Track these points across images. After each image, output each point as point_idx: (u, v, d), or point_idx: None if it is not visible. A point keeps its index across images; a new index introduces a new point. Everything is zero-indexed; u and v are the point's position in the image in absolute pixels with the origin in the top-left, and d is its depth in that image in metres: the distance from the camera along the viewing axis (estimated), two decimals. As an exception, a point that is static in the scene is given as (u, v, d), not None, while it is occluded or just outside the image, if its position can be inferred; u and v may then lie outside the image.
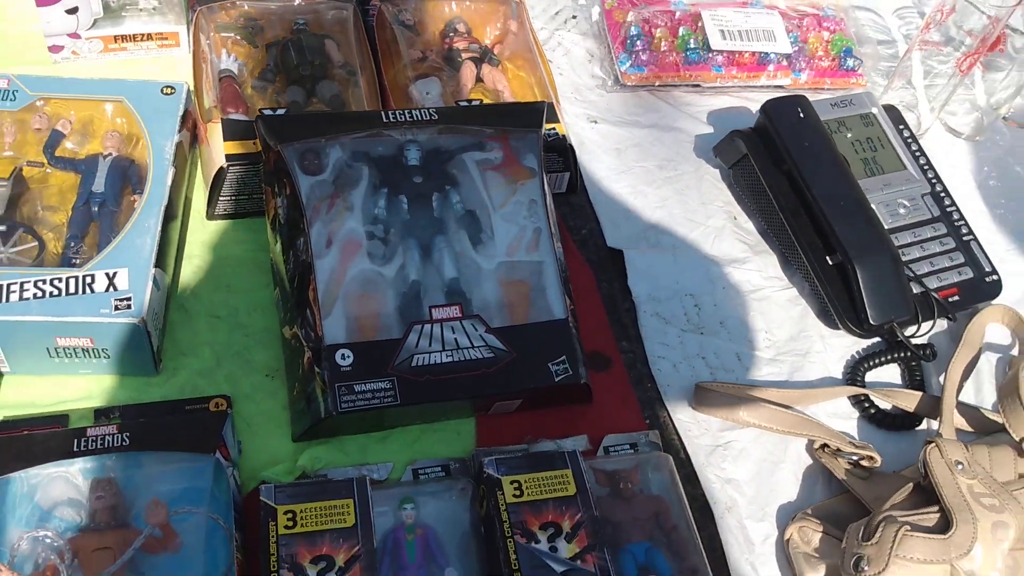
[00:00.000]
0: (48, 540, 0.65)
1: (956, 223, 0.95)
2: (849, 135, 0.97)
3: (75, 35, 0.97)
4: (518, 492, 0.72)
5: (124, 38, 0.99)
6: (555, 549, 0.70)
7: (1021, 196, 1.07)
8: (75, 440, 0.69)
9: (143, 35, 1.00)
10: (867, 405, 0.85)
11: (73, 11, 0.95)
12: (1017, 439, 0.75)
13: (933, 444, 0.72)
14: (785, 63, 1.07)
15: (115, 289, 0.74)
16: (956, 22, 0.97)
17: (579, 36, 1.13)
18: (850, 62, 1.09)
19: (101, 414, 0.75)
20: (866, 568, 0.66)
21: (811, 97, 0.97)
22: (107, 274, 0.75)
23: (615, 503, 0.75)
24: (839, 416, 0.85)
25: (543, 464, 0.74)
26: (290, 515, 0.68)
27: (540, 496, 0.72)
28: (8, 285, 0.73)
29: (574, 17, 1.15)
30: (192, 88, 0.90)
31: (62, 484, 0.69)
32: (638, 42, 1.07)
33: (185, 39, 1.00)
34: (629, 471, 0.77)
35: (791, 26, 1.09)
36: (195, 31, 0.96)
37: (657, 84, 1.08)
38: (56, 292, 0.73)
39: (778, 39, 1.07)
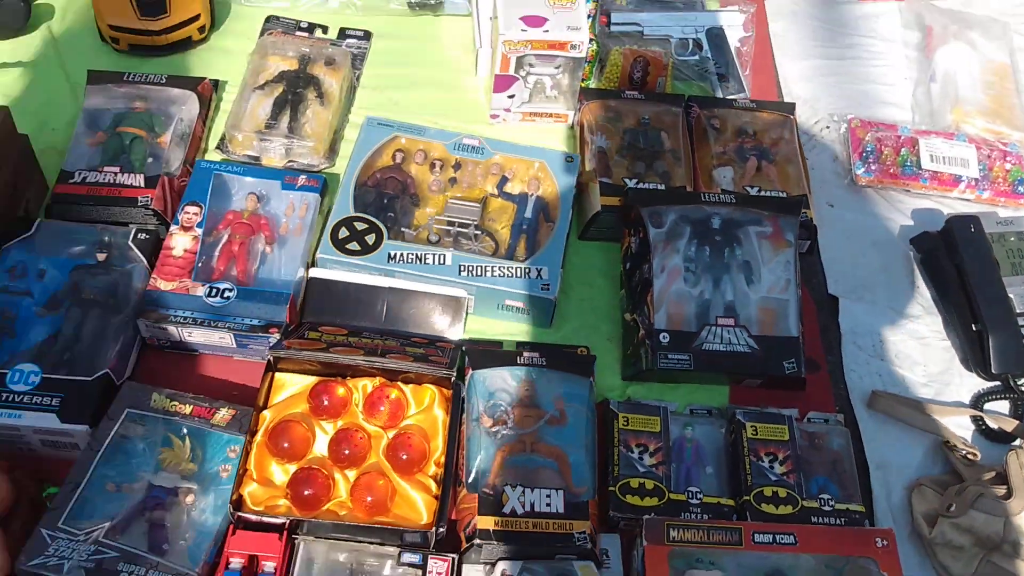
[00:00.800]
0: (501, 407, 1.18)
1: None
2: (1005, 244, 1.38)
3: (507, 109, 1.51)
4: (754, 432, 1.20)
5: (534, 114, 1.52)
6: (772, 468, 1.17)
7: None
8: (516, 356, 1.22)
9: (546, 113, 1.52)
10: (981, 423, 1.28)
11: (511, 96, 1.49)
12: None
13: (1014, 451, 1.16)
14: (973, 183, 1.48)
15: (540, 278, 1.27)
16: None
17: (828, 142, 1.57)
18: (1021, 188, 1.49)
19: (521, 345, 1.28)
20: (952, 510, 1.11)
21: (987, 211, 1.38)
22: (537, 269, 1.28)
23: (810, 451, 1.22)
24: (961, 427, 1.28)
25: (771, 419, 1.21)
26: (625, 419, 1.19)
27: (767, 437, 1.19)
28: (482, 266, 1.27)
29: (827, 127, 1.59)
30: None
31: (500, 379, 1.22)
32: (871, 155, 1.51)
33: (571, 119, 1.52)
34: (821, 434, 1.23)
35: (982, 156, 1.50)
36: (581, 116, 1.48)
37: (879, 186, 1.51)
38: (509, 274, 1.27)
39: (970, 166, 1.48)
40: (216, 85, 1.48)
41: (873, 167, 1.49)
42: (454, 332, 1.26)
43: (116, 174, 1.30)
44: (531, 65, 1.44)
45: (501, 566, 1.05)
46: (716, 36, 1.55)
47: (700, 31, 1.56)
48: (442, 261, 1.26)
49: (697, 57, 1.56)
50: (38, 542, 0.99)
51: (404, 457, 1.06)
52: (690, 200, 1.32)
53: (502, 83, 1.44)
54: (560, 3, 1.41)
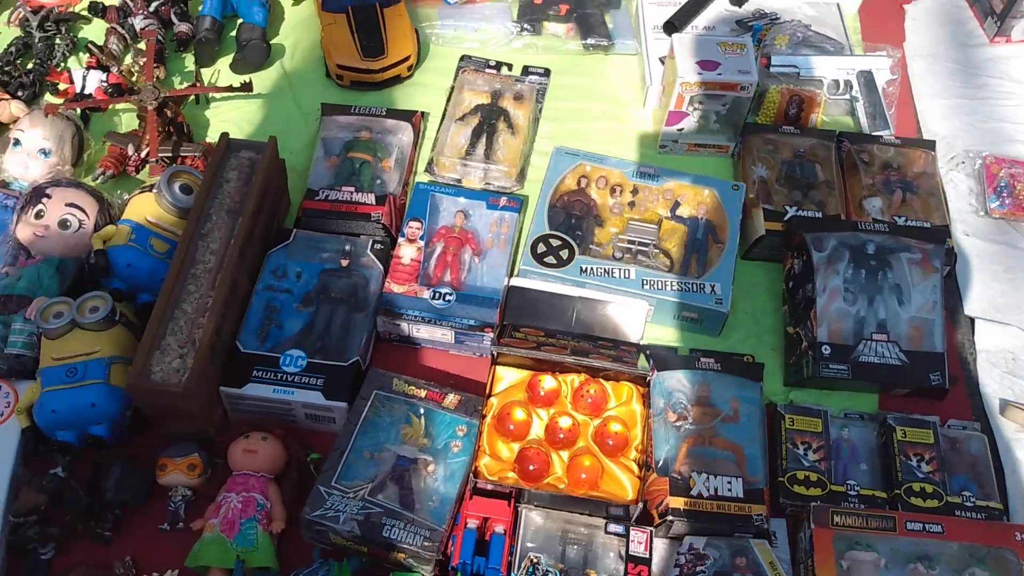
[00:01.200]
0: (682, 404, 1.35)
1: None
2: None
3: (675, 141, 1.68)
4: (903, 435, 1.34)
5: (699, 145, 1.68)
6: (919, 467, 1.32)
7: None
8: (695, 361, 1.39)
9: (709, 145, 1.68)
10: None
11: (681, 129, 1.65)
12: None
13: None
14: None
15: (714, 293, 1.43)
16: None
17: (964, 176, 1.70)
18: None
19: (694, 351, 1.44)
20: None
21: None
22: (711, 285, 1.44)
23: (952, 453, 1.35)
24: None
25: (917, 424, 1.35)
26: (791, 420, 1.35)
27: (915, 440, 1.33)
28: (663, 280, 1.44)
29: (963, 163, 1.71)
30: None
31: (676, 380, 1.37)
32: (1004, 189, 1.63)
33: (732, 150, 1.68)
34: (960, 439, 1.37)
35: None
36: (744, 148, 1.63)
37: (1012, 218, 1.63)
38: (686, 289, 1.43)
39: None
40: (423, 116, 1.67)
41: (1007, 200, 1.61)
42: (634, 338, 1.43)
43: (352, 193, 1.51)
44: (700, 102, 1.60)
45: (688, 540, 1.22)
46: (866, 78, 1.69)
47: (851, 73, 1.70)
48: (627, 275, 1.43)
49: (847, 96, 1.70)
50: (317, 497, 1.19)
51: (611, 443, 1.23)
52: (847, 228, 1.46)
53: (674, 118, 1.61)
54: (731, 49, 1.57)
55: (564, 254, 1.45)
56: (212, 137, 1.65)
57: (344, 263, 1.43)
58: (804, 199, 1.57)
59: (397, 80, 1.73)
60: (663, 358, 1.39)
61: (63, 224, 1.38)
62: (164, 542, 1.23)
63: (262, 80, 1.69)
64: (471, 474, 1.20)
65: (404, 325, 1.38)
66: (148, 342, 1.22)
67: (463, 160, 1.61)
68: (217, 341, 1.26)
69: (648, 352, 1.39)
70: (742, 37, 1.61)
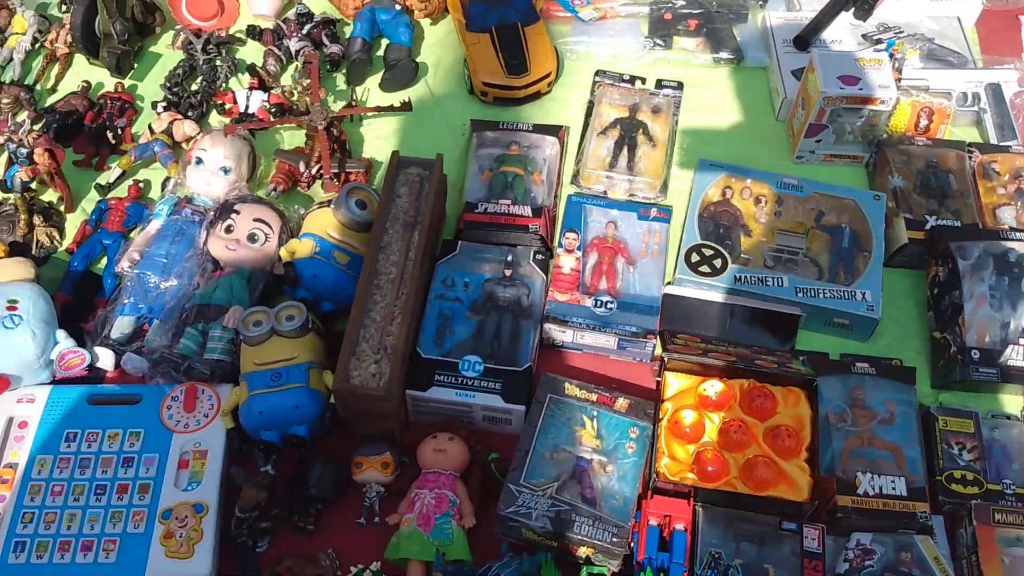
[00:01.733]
0: (841, 406, 1.39)
1: None
2: None
3: (812, 152, 1.71)
4: None
5: (834, 156, 1.72)
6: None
7: None
8: (850, 366, 1.42)
9: (844, 155, 1.71)
10: None
11: (819, 141, 1.69)
12: None
13: None
14: None
15: (865, 300, 1.47)
16: None
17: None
18: None
19: (844, 356, 1.48)
20: None
21: None
22: (862, 292, 1.48)
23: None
24: None
25: None
26: (944, 421, 1.37)
27: None
28: (815, 288, 1.48)
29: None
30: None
31: (830, 384, 1.42)
32: None
33: (866, 160, 1.71)
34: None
35: None
36: (879, 158, 1.67)
37: None
38: (838, 296, 1.47)
39: None
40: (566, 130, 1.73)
41: None
42: (787, 344, 1.47)
43: (509, 205, 1.56)
44: (839, 115, 1.63)
45: (856, 536, 1.27)
46: (994, 90, 1.71)
47: (979, 86, 1.72)
48: (780, 283, 1.48)
49: (975, 108, 1.73)
50: (508, 495, 1.25)
51: (784, 444, 1.28)
52: (990, 236, 1.49)
53: (814, 130, 1.64)
54: (869, 64, 1.61)
55: (717, 263, 1.50)
56: (367, 153, 1.71)
57: (507, 273, 1.49)
58: (940, 208, 1.60)
59: (536, 96, 1.79)
60: (818, 363, 1.43)
61: (251, 238, 1.46)
62: (360, 535, 1.30)
63: (409, 97, 1.75)
64: (652, 474, 1.25)
65: (569, 332, 1.44)
66: (348, 349, 1.29)
67: (607, 172, 1.66)
68: (405, 348, 1.32)
69: (804, 358, 1.43)
70: (878, 53, 1.64)
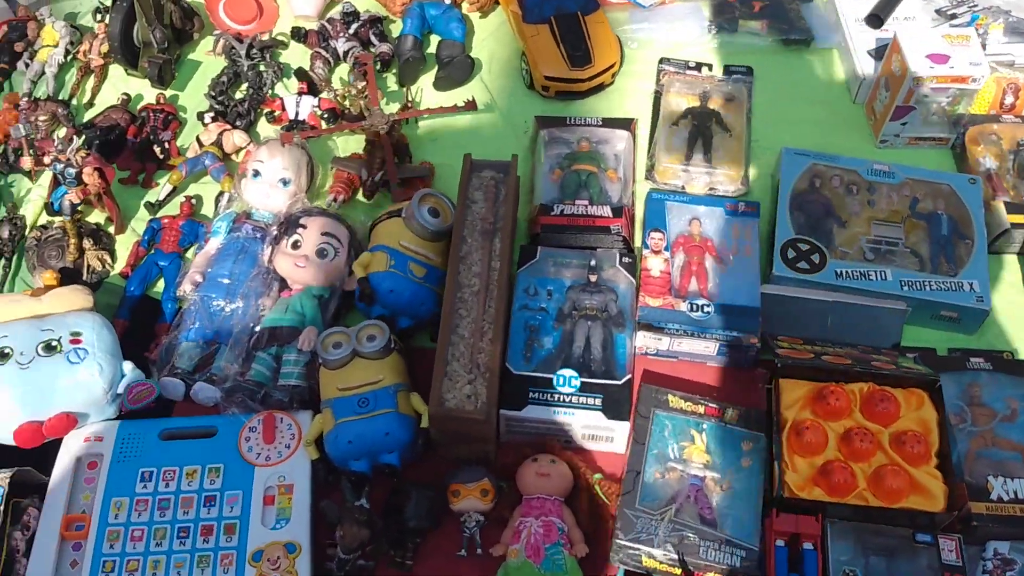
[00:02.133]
0: (959, 405, 1.29)
1: None
2: None
3: (897, 135, 1.61)
4: None
5: (919, 138, 1.61)
6: None
7: None
8: (964, 362, 1.33)
9: (928, 137, 1.61)
10: None
11: (904, 124, 1.59)
12: None
13: None
14: None
15: (974, 291, 1.37)
16: None
17: None
18: None
19: (952, 351, 1.38)
20: None
21: None
22: (969, 282, 1.38)
23: None
24: None
25: None
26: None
27: None
28: (921, 281, 1.38)
29: None
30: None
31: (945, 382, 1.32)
32: None
33: (952, 141, 1.61)
34: None
35: None
36: (967, 139, 1.57)
37: None
38: (945, 287, 1.37)
39: None
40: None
41: None
42: (892, 340, 1.37)
43: (586, 206, 1.46)
44: (925, 95, 1.53)
45: (992, 545, 1.17)
46: (1083, 61, 1.62)
47: (1066, 58, 1.62)
48: (883, 277, 1.38)
49: (1064, 82, 1.63)
50: (625, 521, 1.16)
51: (912, 451, 1.18)
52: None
53: (900, 112, 1.55)
54: (957, 40, 1.51)
55: (815, 259, 1.40)
56: (426, 156, 1.61)
57: (592, 278, 1.39)
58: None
59: (600, 87, 1.69)
60: (927, 360, 1.34)
61: (321, 253, 1.36)
62: (461, 568, 1.21)
63: (464, 95, 1.65)
64: (777, 490, 1.16)
65: (666, 339, 1.34)
66: (440, 370, 1.19)
67: (683, 166, 1.56)
68: (498, 365, 1.23)
69: (916, 356, 1.33)
70: (964, 28, 1.54)
